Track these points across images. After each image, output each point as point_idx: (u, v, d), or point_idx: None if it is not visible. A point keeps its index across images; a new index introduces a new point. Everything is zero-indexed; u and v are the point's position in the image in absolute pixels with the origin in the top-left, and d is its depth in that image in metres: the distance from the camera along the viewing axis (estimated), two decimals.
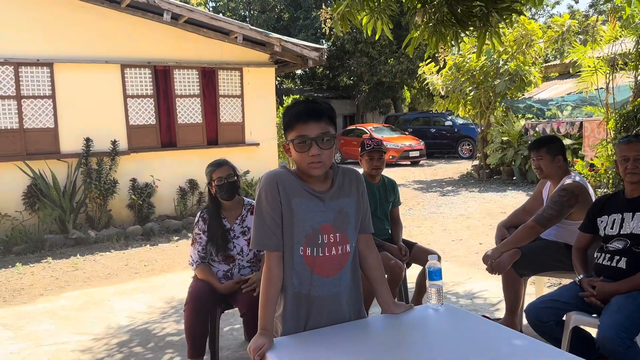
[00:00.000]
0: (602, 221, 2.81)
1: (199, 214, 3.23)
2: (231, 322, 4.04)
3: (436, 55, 11.31)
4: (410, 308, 1.98)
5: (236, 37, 8.51)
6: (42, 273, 5.87)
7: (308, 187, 1.88)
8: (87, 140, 7.66)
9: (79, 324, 4.25)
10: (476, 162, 13.85)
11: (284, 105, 11.10)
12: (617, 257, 2.66)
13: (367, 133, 17.21)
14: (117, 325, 4.18)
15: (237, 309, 3.29)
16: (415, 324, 1.86)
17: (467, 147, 18.50)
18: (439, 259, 3.26)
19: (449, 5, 4.23)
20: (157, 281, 5.44)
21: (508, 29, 9.78)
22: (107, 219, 7.76)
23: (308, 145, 1.80)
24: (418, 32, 4.48)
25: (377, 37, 4.84)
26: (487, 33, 4.31)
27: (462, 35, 4.49)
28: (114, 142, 7.87)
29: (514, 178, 12.08)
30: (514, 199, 9.59)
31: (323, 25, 5.56)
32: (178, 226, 7.97)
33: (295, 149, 1.82)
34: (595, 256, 2.84)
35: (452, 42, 4.49)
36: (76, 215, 7.48)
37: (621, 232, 2.68)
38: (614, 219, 2.74)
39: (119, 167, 7.97)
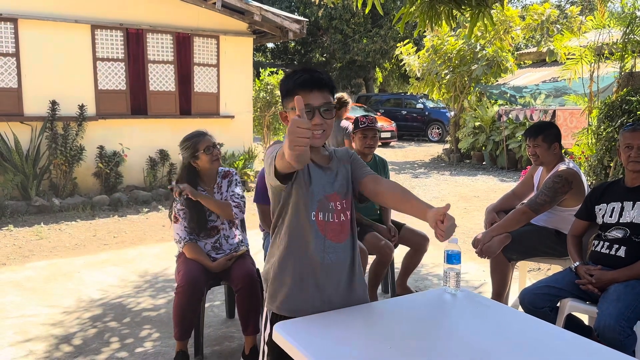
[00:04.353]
0: (600, 209, 2.80)
1: None
2: (210, 299, 3.90)
3: (423, 34, 11.22)
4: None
5: (214, 3, 8.17)
6: (4, 241, 5.55)
7: (314, 162, 1.85)
8: (53, 103, 7.25)
9: (47, 295, 4.03)
10: (447, 146, 13.96)
11: (260, 79, 10.81)
12: (616, 246, 2.65)
13: None
14: (88, 299, 3.98)
15: (217, 286, 3.20)
16: (433, 308, 1.78)
17: (437, 131, 18.66)
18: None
19: None
20: (129, 254, 5.23)
21: (500, 11, 9.79)
22: (72, 187, 7.41)
23: (311, 115, 1.76)
24: (413, 7, 4.36)
25: (367, 10, 4.70)
26: (481, 13, 4.25)
27: (456, 13, 4.43)
28: (81, 107, 7.48)
29: (484, 163, 12.25)
30: (485, 184, 9.72)
31: None
32: (147, 197, 7.70)
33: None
34: (592, 244, 2.83)
35: (446, 20, 4.41)
36: (39, 182, 7.11)
37: (621, 221, 2.67)
38: (613, 207, 2.73)
39: (86, 133, 7.60)
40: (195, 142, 3.04)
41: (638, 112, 4.20)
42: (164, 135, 8.16)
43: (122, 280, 4.43)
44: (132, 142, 7.95)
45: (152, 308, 3.82)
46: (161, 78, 8.27)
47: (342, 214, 1.86)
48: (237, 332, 3.34)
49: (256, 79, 10.79)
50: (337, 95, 5.38)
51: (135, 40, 8.01)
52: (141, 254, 5.20)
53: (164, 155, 8.21)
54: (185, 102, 8.59)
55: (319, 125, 1.77)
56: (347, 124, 5.44)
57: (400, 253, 3.86)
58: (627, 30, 4.80)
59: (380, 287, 3.93)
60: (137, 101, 8.17)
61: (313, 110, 1.75)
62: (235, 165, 8.55)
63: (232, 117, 8.92)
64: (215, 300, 3.93)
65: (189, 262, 2.92)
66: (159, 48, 8.21)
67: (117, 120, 7.91)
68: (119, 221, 6.61)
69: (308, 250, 1.81)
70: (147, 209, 7.22)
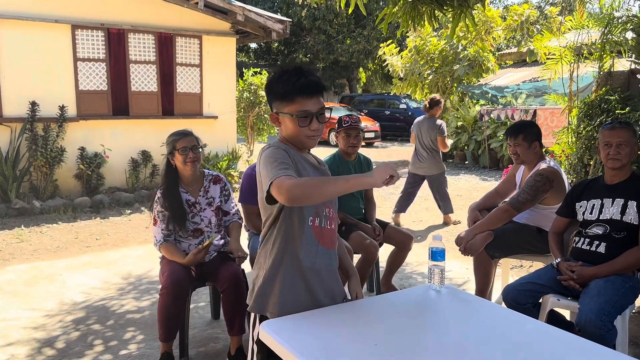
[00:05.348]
0: (581, 206, 2.85)
1: (158, 191, 3.05)
2: (195, 300, 3.88)
3: (406, 34, 11.30)
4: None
5: (196, 3, 8.11)
6: None
7: (310, 162, 1.87)
8: (33, 104, 7.13)
9: (29, 299, 3.97)
10: None
11: (243, 79, 10.77)
12: (596, 242, 2.70)
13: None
14: (71, 301, 3.93)
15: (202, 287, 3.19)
16: (418, 304, 1.80)
17: None
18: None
19: None
20: (111, 256, 5.18)
21: (481, 11, 9.91)
22: (53, 189, 7.30)
23: (309, 120, 1.77)
24: (396, 8, 4.39)
25: (350, 10, 4.72)
26: (462, 14, 4.29)
27: (438, 14, 4.47)
28: (62, 108, 7.37)
29: (466, 162, 12.37)
30: (467, 182, 9.81)
31: None
32: (130, 199, 7.62)
33: (299, 123, 1.77)
34: (573, 240, 2.88)
35: (428, 20, 4.45)
36: (19, 184, 6.99)
37: (600, 218, 2.72)
38: (594, 204, 2.78)
39: (67, 134, 7.49)
40: (174, 140, 3.02)
41: (616, 111, 4.28)
42: (146, 136, 8.08)
43: (105, 282, 4.38)
44: (114, 143, 7.86)
45: (136, 310, 3.79)
46: (143, 78, 8.19)
47: (332, 222, 1.90)
48: (223, 333, 3.33)
49: (239, 79, 10.75)
50: (431, 95, 6.42)
51: (116, 40, 7.93)
52: (124, 256, 5.15)
53: (146, 156, 8.13)
54: (168, 102, 8.52)
55: (316, 130, 1.79)
56: (440, 122, 6.25)
57: (385, 252, 3.89)
58: (606, 31, 4.88)
59: (365, 285, 3.95)
60: (118, 102, 8.09)
61: (311, 116, 1.77)
62: (219, 166, 8.51)
63: (216, 117, 8.88)
64: (200, 301, 3.91)
65: (174, 263, 2.90)
66: (141, 48, 8.13)
67: (98, 121, 7.82)
68: (101, 223, 6.54)
69: (299, 256, 1.80)
70: (129, 211, 7.15)
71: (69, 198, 7.31)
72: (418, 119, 6.47)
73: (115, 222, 6.59)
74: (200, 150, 3.08)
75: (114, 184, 7.98)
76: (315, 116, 1.77)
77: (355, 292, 2.05)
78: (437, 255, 1.86)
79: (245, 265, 3.18)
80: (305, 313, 1.73)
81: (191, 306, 3.70)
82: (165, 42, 8.34)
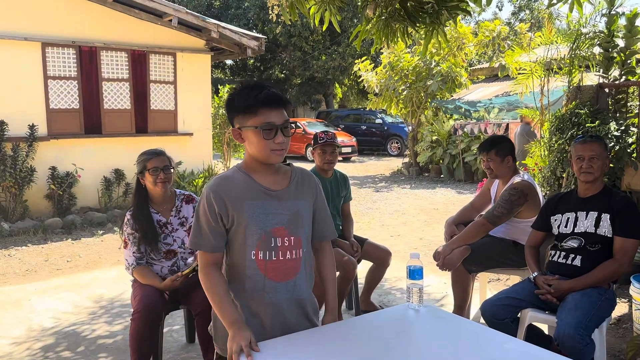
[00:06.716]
0: (555, 219, 2.86)
1: (128, 213, 2.96)
2: (170, 324, 3.77)
3: (380, 50, 11.44)
4: (334, 321, 1.87)
5: (170, 20, 8.07)
6: None
7: (263, 187, 1.77)
8: (1, 123, 6.94)
9: None
10: (406, 160, 14.16)
11: (219, 95, 10.71)
12: (572, 255, 2.71)
13: (300, 128, 17.16)
14: (40, 327, 3.78)
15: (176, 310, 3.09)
16: (397, 325, 1.77)
17: (396, 145, 18.93)
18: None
19: (400, 0, 4.23)
20: (83, 278, 5.02)
21: (453, 28, 10.08)
22: (23, 210, 7.10)
23: (274, 133, 1.72)
24: (369, 25, 4.43)
25: (324, 27, 4.73)
26: (434, 31, 4.35)
27: (411, 31, 4.52)
28: (32, 127, 7.20)
29: (442, 176, 12.48)
30: (443, 196, 9.88)
31: (270, 12, 5.34)
32: (102, 219, 7.45)
33: (263, 136, 1.71)
34: (549, 254, 2.89)
35: (401, 37, 4.50)
36: None
37: (575, 231, 2.74)
38: (568, 218, 2.80)
39: (37, 154, 7.31)
40: (145, 159, 2.95)
41: (587, 124, 4.35)
42: (119, 154, 7.94)
43: (76, 306, 4.24)
44: (86, 162, 7.70)
45: (108, 335, 3.66)
46: (116, 96, 8.08)
47: (289, 252, 1.76)
48: (198, 357, 3.23)
49: (215, 96, 10.68)
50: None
51: (88, 58, 7.81)
52: (96, 279, 5.00)
53: (119, 174, 7.98)
54: (142, 120, 8.41)
55: (281, 144, 1.73)
56: (531, 127, 7.70)
57: (363, 268, 3.85)
58: (574, 46, 5.00)
59: (344, 303, 3.90)
60: (91, 120, 7.94)
61: (276, 128, 1.71)
62: (195, 183, 8.39)
63: (191, 134, 8.79)
64: (175, 324, 3.81)
65: (146, 287, 2.81)
66: (114, 66, 8.03)
67: (70, 140, 7.66)
68: (73, 245, 6.36)
69: (246, 289, 1.75)
70: (102, 231, 6.98)
71: (39, 219, 7.11)
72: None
73: (87, 243, 6.42)
74: (172, 170, 3.01)
75: (87, 203, 7.80)
76: (279, 129, 1.72)
77: (327, 308, 1.91)
78: (415, 273, 1.84)
79: None
80: (280, 338, 1.68)
81: (165, 329, 3.61)
82: (138, 60, 8.25)
